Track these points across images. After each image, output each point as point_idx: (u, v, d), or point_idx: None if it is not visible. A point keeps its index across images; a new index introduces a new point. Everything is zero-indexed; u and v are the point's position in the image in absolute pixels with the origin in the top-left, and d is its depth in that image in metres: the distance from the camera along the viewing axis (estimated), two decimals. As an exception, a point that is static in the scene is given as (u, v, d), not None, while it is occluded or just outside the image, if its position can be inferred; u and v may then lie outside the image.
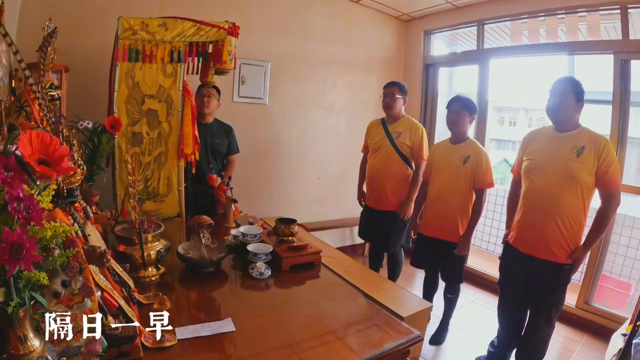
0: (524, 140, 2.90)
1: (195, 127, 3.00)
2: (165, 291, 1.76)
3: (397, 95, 3.62)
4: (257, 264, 2.11)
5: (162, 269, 1.96)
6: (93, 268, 1.27)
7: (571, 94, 2.51)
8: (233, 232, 2.50)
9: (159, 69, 2.79)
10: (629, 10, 3.69)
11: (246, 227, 2.47)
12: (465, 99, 3.24)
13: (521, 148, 2.90)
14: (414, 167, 3.67)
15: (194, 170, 3.09)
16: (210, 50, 2.97)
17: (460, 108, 3.20)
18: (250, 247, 2.21)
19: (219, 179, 3.27)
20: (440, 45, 5.95)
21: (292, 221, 2.45)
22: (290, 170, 4.93)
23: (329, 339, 1.55)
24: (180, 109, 2.90)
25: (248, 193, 4.39)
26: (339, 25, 5.06)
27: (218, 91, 3.48)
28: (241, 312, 1.69)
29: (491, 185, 3.15)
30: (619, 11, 3.75)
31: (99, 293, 1.23)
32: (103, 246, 1.54)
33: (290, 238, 2.41)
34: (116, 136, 2.65)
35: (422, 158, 3.58)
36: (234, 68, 3.11)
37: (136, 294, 1.58)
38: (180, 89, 2.87)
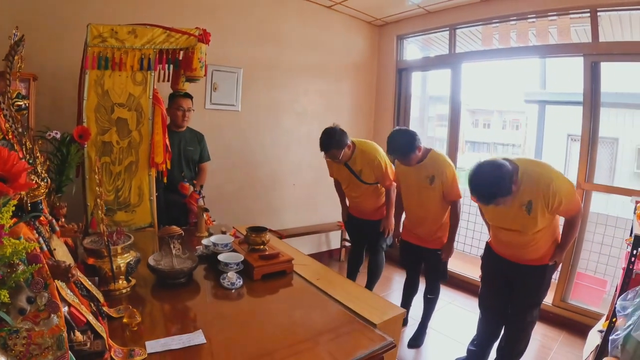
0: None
1: (166, 136, 2.98)
2: (137, 304, 1.74)
3: (340, 155, 3.37)
4: (229, 274, 2.10)
5: (133, 281, 1.94)
6: (59, 283, 1.25)
7: (505, 191, 2.34)
8: (204, 241, 2.48)
9: (128, 76, 2.75)
10: (598, 14, 3.79)
11: (217, 237, 2.47)
12: (399, 145, 3.10)
13: None
14: (385, 191, 3.66)
15: (165, 180, 3.05)
16: (180, 58, 2.94)
17: (402, 156, 3.12)
18: (221, 257, 2.21)
19: (191, 188, 3.25)
20: (413, 49, 6.04)
21: (263, 229, 2.45)
22: (264, 178, 4.91)
23: (301, 348, 1.56)
24: (150, 118, 2.87)
25: (221, 201, 4.35)
26: (312, 31, 5.08)
27: (192, 98, 3.47)
28: (213, 323, 1.69)
29: (459, 197, 3.20)
30: (588, 14, 3.84)
31: (65, 308, 1.21)
32: (69, 260, 1.52)
33: (261, 247, 2.40)
34: (85, 146, 2.61)
35: (390, 182, 3.53)
36: (205, 75, 3.08)
37: (106, 308, 1.56)
38: (151, 97, 2.84)
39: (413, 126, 5.84)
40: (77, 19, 3.17)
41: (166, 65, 2.92)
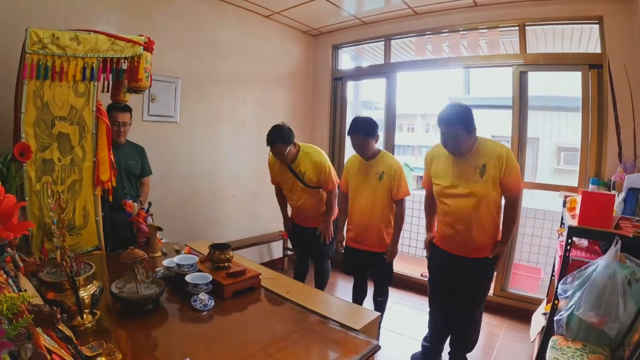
0: (427, 157, 3.05)
1: (111, 151, 2.77)
2: (106, 337, 1.58)
3: (285, 151, 3.42)
4: (200, 296, 2.00)
5: (99, 313, 1.77)
6: (38, 329, 1.10)
7: (462, 131, 2.60)
8: (165, 262, 2.33)
9: (70, 87, 2.50)
10: (526, 28, 4.11)
11: (180, 257, 2.33)
12: (364, 124, 3.24)
13: (426, 165, 3.04)
14: (326, 195, 3.69)
15: (110, 198, 2.84)
16: (124, 67, 2.72)
17: (362, 137, 3.22)
18: (188, 278, 2.09)
19: (136, 205, 3.02)
20: (346, 59, 6.16)
21: (226, 246, 2.37)
22: (204, 190, 4.73)
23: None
24: (94, 132, 2.64)
25: (162, 217, 4.05)
26: (250, 40, 5.01)
27: (131, 111, 3.26)
28: (198, 349, 1.60)
29: (407, 194, 3.32)
30: (517, 28, 4.15)
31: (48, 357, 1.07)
32: (39, 300, 1.36)
33: (226, 264, 2.32)
34: (25, 165, 2.36)
35: (332, 186, 3.60)
36: (150, 86, 2.88)
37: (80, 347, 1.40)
38: (94, 109, 2.62)
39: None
40: (11, 23, 2.89)
41: (110, 75, 2.70)
